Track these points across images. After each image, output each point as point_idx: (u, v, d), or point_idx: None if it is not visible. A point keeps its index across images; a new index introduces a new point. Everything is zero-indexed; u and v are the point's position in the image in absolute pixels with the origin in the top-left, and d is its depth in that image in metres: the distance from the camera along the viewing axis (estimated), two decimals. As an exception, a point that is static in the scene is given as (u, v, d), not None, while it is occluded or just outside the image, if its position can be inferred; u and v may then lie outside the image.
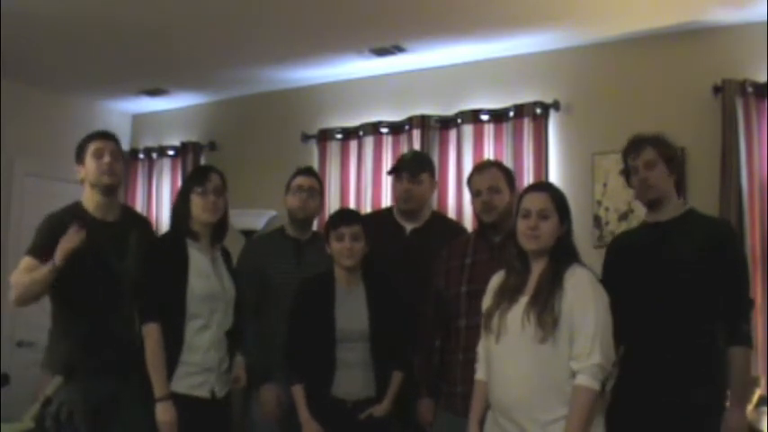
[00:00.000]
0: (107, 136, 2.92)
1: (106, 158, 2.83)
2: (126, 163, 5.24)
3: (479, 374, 2.46)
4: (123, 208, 3.06)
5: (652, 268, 2.56)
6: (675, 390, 2.44)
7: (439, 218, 3.53)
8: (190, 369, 2.69)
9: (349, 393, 2.77)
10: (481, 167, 2.99)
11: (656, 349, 2.50)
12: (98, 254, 2.72)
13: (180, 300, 2.69)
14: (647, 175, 2.59)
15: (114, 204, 2.93)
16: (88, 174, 2.84)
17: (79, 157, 2.88)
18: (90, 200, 2.86)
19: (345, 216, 2.96)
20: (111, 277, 2.75)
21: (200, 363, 2.71)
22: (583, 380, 2.18)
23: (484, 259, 2.76)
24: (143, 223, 3.14)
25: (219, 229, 2.89)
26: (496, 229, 2.81)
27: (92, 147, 2.85)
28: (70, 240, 2.63)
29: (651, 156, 2.59)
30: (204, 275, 2.77)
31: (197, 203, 2.79)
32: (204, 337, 2.73)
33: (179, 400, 2.64)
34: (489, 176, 2.86)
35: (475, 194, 2.88)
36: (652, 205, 2.65)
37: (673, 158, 2.64)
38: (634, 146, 2.65)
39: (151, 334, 2.64)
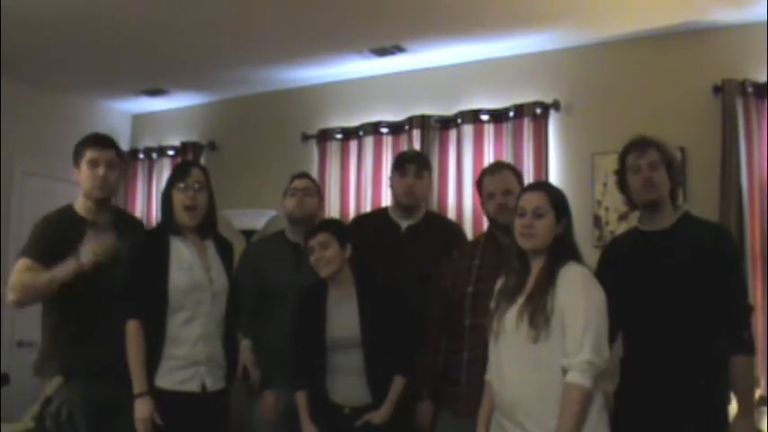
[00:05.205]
0: (104, 143, 2.86)
1: (101, 170, 2.79)
2: (126, 163, 5.24)
3: (488, 374, 2.45)
4: (116, 211, 3.02)
5: (649, 278, 2.51)
6: (678, 394, 2.41)
7: (434, 217, 3.54)
8: (176, 363, 2.65)
9: (345, 399, 2.77)
10: (493, 170, 2.97)
11: (656, 358, 2.46)
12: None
13: (162, 294, 2.66)
14: (651, 175, 2.54)
15: (107, 208, 2.89)
16: (82, 181, 2.82)
17: (75, 160, 2.84)
18: (82, 205, 2.84)
19: (311, 229, 2.93)
20: (104, 281, 2.69)
21: (188, 356, 2.67)
22: (572, 377, 2.14)
23: (492, 261, 2.75)
24: (136, 225, 3.11)
25: (207, 222, 2.84)
26: (509, 231, 2.80)
27: (87, 155, 2.80)
28: (107, 248, 2.62)
29: (656, 157, 2.56)
30: (186, 267, 2.72)
31: (178, 198, 2.76)
32: (191, 330, 2.69)
33: (167, 397, 2.61)
34: (503, 179, 2.87)
35: (488, 197, 2.86)
36: (649, 208, 2.60)
37: (672, 165, 2.60)
38: (638, 145, 2.60)
39: (130, 331, 2.62)
